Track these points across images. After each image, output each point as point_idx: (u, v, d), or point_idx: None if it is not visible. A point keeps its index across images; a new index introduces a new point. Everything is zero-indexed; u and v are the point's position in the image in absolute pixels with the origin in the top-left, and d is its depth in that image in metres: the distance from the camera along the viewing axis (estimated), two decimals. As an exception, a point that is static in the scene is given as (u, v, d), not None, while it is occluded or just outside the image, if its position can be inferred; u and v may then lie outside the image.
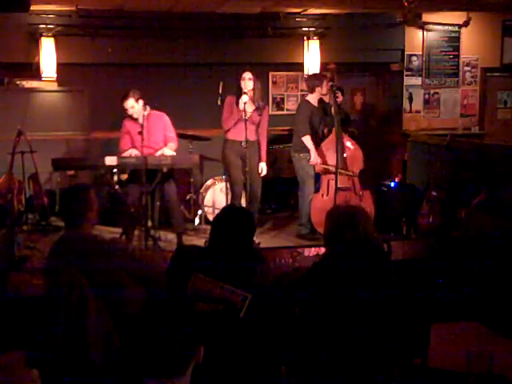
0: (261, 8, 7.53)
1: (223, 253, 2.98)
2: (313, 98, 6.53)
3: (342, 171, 6.37)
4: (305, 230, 6.55)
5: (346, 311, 2.90)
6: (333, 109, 6.43)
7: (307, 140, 6.38)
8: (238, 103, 6.19)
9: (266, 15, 7.89)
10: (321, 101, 6.59)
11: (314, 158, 6.37)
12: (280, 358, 2.95)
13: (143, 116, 5.87)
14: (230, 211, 3.40)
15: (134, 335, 1.80)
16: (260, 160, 6.39)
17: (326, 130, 6.68)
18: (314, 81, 6.63)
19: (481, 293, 4.75)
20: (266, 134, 6.45)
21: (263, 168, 6.41)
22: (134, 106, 6.01)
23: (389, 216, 6.80)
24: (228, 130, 6.28)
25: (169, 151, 6.08)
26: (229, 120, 6.23)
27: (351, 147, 6.56)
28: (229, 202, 6.62)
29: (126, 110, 6.05)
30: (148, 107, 6.03)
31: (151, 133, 6.05)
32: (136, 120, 6.01)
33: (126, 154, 5.98)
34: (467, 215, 6.12)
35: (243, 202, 6.52)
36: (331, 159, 6.35)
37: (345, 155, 6.46)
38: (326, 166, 6.42)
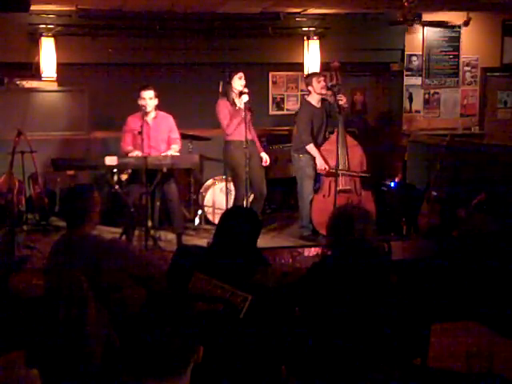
0: (261, 8, 7.53)
1: (225, 253, 2.98)
2: (313, 99, 6.49)
3: (347, 172, 6.35)
4: (306, 232, 6.53)
5: (346, 311, 2.90)
6: (337, 108, 6.41)
7: (311, 148, 6.34)
8: (233, 105, 6.20)
9: (266, 15, 7.89)
10: (323, 101, 6.54)
11: (321, 164, 6.31)
12: (280, 358, 2.95)
13: (146, 113, 5.88)
14: (236, 211, 3.40)
15: (133, 335, 1.80)
16: (259, 153, 6.46)
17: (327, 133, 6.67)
18: (306, 79, 6.63)
19: (481, 293, 4.75)
20: (253, 127, 6.46)
21: (267, 158, 6.49)
22: (152, 98, 5.98)
23: (389, 216, 6.80)
24: (230, 133, 6.27)
25: (173, 153, 6.06)
26: (231, 123, 6.21)
27: (354, 147, 6.54)
28: (229, 202, 6.63)
29: (142, 99, 5.95)
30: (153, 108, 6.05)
31: (156, 133, 6.05)
32: (141, 117, 5.95)
33: (131, 155, 5.94)
34: (467, 215, 6.12)
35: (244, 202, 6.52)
36: (333, 160, 6.32)
37: (348, 156, 6.44)
38: (332, 171, 6.37)
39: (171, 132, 6.21)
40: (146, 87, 6.00)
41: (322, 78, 6.43)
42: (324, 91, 6.44)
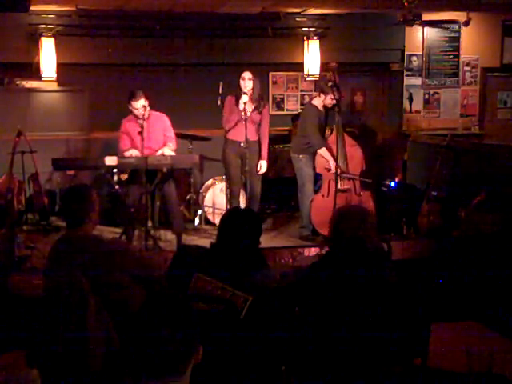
0: (261, 8, 7.52)
1: (226, 254, 2.98)
2: (319, 103, 6.51)
3: (345, 175, 6.35)
4: (306, 232, 6.53)
5: (345, 311, 2.90)
6: (335, 108, 6.42)
7: (324, 152, 6.34)
8: (237, 103, 6.22)
9: (266, 15, 7.89)
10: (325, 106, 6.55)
11: (334, 166, 6.26)
12: (280, 358, 2.95)
13: (143, 116, 5.88)
14: (236, 213, 3.40)
15: (134, 335, 1.80)
16: (260, 158, 6.40)
17: (327, 132, 6.70)
18: (322, 86, 6.58)
19: (481, 293, 4.75)
20: (267, 133, 6.44)
21: (262, 165, 6.40)
22: (145, 104, 5.94)
23: (389, 216, 6.80)
24: (228, 130, 6.31)
25: (168, 151, 6.08)
26: (229, 120, 6.25)
27: (352, 147, 6.55)
28: (228, 202, 6.63)
29: (134, 109, 5.96)
30: (148, 108, 6.04)
31: (151, 133, 6.05)
32: (136, 120, 5.99)
33: (126, 154, 5.97)
34: (467, 215, 6.12)
35: (242, 202, 6.53)
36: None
37: (347, 156, 6.45)
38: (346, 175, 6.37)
39: (165, 130, 6.21)
40: (134, 97, 5.94)
41: (332, 90, 6.40)
42: (330, 106, 6.45)
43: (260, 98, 6.31)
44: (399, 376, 2.91)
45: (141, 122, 5.86)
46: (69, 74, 7.66)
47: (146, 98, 6.01)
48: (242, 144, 6.14)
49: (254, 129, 6.29)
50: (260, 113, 6.30)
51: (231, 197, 6.45)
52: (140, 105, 5.94)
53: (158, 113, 6.21)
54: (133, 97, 5.95)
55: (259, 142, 6.39)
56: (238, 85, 6.22)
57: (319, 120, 6.48)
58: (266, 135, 6.45)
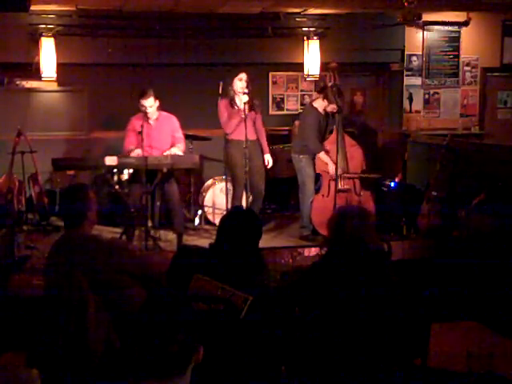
0: (261, 8, 7.53)
1: (226, 254, 2.98)
2: (320, 105, 6.49)
3: (346, 175, 6.36)
4: (306, 232, 6.53)
5: (346, 311, 2.90)
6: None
7: (324, 156, 6.34)
8: (231, 105, 6.22)
9: (266, 15, 7.89)
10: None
11: (333, 169, 6.27)
12: (280, 358, 2.95)
13: (149, 115, 5.90)
14: (237, 213, 3.40)
15: (133, 335, 1.80)
16: (263, 154, 6.46)
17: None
18: (327, 93, 6.48)
19: (481, 293, 4.75)
20: (263, 129, 6.52)
21: (269, 160, 6.48)
22: (153, 105, 5.98)
23: (389, 216, 6.80)
24: (231, 132, 6.30)
25: (177, 151, 6.08)
26: (230, 123, 6.24)
27: (352, 147, 6.55)
28: (229, 202, 6.63)
29: (143, 107, 5.97)
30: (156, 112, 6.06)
31: (160, 134, 6.06)
32: (146, 119, 5.98)
33: (133, 154, 5.95)
34: (467, 215, 6.12)
35: (243, 202, 6.53)
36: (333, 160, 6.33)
37: (347, 156, 6.44)
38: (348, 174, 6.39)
39: (174, 132, 6.22)
40: (144, 95, 5.96)
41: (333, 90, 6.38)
42: (330, 111, 6.45)
43: (252, 97, 6.32)
44: (399, 376, 2.91)
45: (150, 121, 5.90)
46: (69, 74, 7.66)
47: (156, 98, 6.02)
48: (242, 144, 6.14)
49: (253, 128, 6.31)
50: (256, 112, 6.33)
51: (234, 197, 6.40)
52: (149, 104, 5.95)
53: (167, 114, 6.22)
54: (143, 95, 5.97)
55: (258, 141, 6.41)
56: (231, 85, 6.23)
57: (319, 123, 6.46)
58: (263, 131, 6.52)
